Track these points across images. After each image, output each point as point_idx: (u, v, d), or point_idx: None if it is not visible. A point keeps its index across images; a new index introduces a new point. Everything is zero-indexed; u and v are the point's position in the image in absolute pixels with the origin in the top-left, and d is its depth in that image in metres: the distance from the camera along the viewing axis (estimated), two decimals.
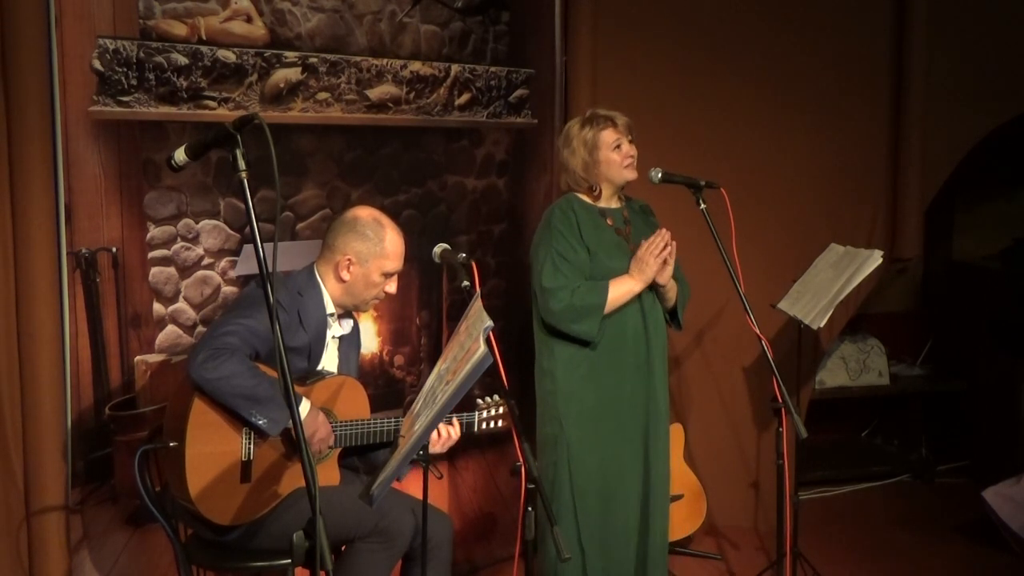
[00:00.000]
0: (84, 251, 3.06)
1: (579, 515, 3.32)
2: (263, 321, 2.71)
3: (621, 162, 3.36)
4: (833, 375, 5.22)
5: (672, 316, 3.53)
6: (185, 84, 3.19)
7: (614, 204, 3.46)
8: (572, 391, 3.33)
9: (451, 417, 2.91)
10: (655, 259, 3.28)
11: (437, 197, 3.93)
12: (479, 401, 2.99)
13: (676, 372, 4.45)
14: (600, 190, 3.41)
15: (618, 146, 3.36)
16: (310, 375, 2.89)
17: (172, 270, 3.23)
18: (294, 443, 2.74)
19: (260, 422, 2.66)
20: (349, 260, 2.90)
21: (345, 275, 2.91)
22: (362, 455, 3.03)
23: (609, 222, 3.41)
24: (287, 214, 3.47)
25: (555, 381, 3.35)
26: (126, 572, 3.18)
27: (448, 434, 2.87)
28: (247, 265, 3.36)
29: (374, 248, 2.90)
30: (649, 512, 3.38)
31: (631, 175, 3.39)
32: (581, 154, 3.37)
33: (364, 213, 2.96)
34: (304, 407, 2.73)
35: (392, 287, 2.98)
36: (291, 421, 2.60)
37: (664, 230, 3.31)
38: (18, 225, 2.92)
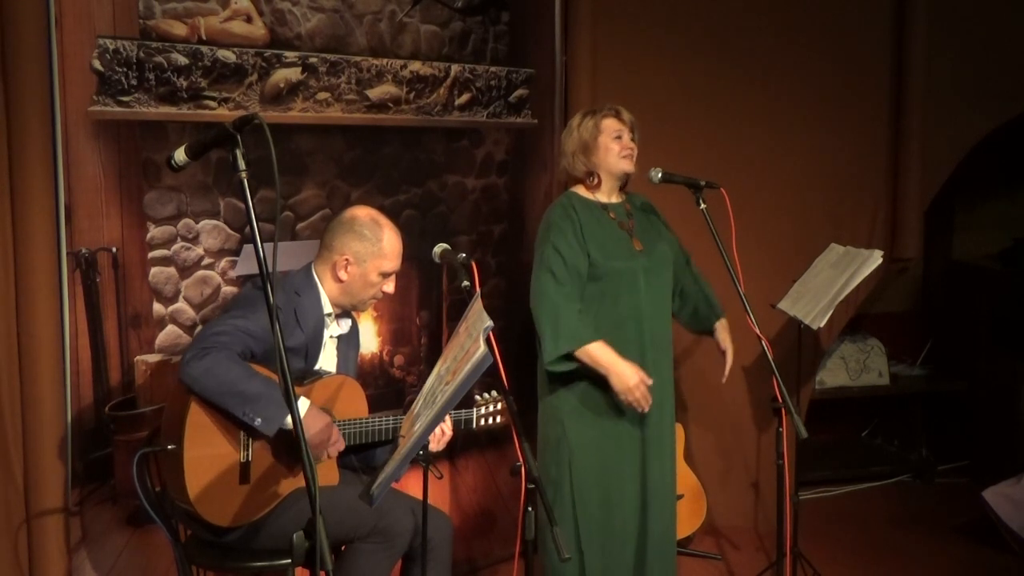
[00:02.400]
0: (84, 251, 3.06)
1: (578, 516, 3.31)
2: (258, 321, 2.70)
3: (619, 152, 3.36)
4: (833, 375, 5.22)
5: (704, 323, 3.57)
6: (185, 84, 3.19)
7: (615, 199, 3.45)
8: (575, 393, 3.32)
9: (466, 413, 2.94)
10: (626, 396, 3.19)
11: (437, 197, 3.93)
12: (477, 398, 2.99)
13: (676, 372, 4.44)
14: (598, 179, 3.40)
15: (619, 136, 3.37)
16: (308, 375, 2.89)
17: (172, 270, 3.23)
18: (292, 442, 2.74)
19: (255, 422, 2.62)
20: (347, 260, 2.89)
21: (343, 275, 2.91)
22: (360, 454, 3.03)
23: (612, 216, 3.41)
24: (287, 214, 3.47)
25: (559, 383, 3.35)
26: (126, 572, 3.18)
27: (442, 431, 2.87)
28: (247, 265, 3.36)
29: (372, 248, 2.90)
30: (648, 515, 3.37)
31: (628, 167, 3.38)
32: (582, 136, 3.37)
33: (362, 213, 2.95)
34: (303, 405, 2.72)
35: (390, 287, 2.97)
36: (288, 420, 2.64)
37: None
38: (18, 225, 2.92)
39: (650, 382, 3.22)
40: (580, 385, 3.32)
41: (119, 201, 3.11)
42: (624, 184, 3.47)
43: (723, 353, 3.53)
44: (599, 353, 3.21)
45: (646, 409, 3.23)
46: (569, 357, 3.22)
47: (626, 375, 3.19)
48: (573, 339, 3.20)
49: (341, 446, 2.80)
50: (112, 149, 3.08)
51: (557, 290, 3.25)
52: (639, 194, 3.56)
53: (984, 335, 5.34)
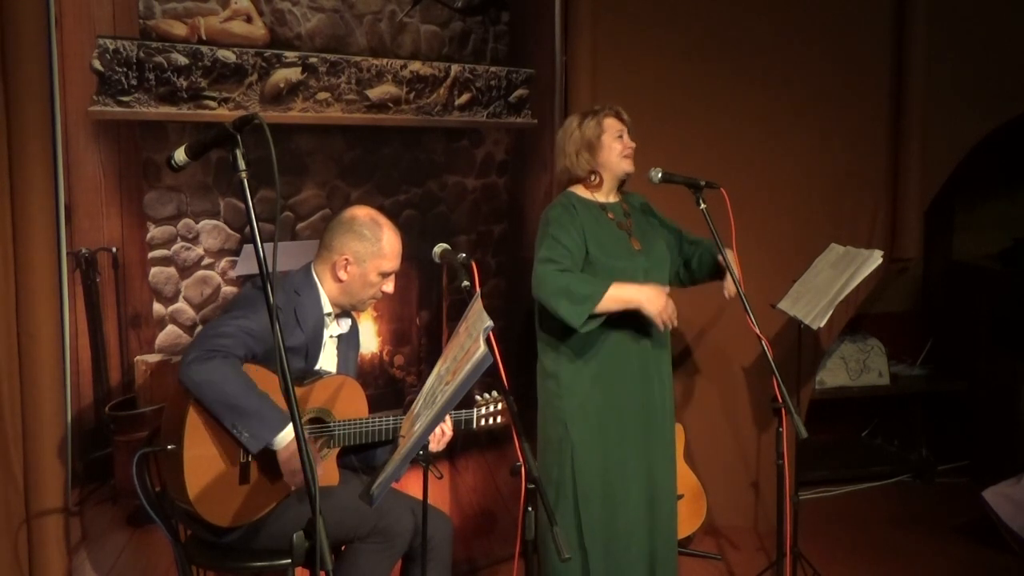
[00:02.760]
0: (84, 251, 3.06)
1: (582, 516, 3.31)
2: (259, 321, 2.70)
3: (621, 151, 3.37)
4: (833, 375, 5.22)
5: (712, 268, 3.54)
6: (185, 84, 3.19)
7: (612, 199, 3.46)
8: (578, 393, 3.32)
9: (465, 413, 2.94)
10: (661, 316, 3.21)
11: (437, 197, 3.93)
12: (477, 398, 2.99)
13: (676, 372, 4.43)
14: (600, 179, 3.40)
15: (620, 136, 3.38)
16: (308, 375, 2.89)
17: (172, 270, 3.23)
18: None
19: (243, 436, 2.63)
20: (347, 260, 2.89)
21: (343, 275, 2.91)
22: (360, 454, 3.03)
23: (610, 216, 3.41)
24: (287, 214, 3.47)
25: (560, 383, 3.35)
26: (126, 572, 3.18)
27: (442, 431, 2.87)
28: (247, 265, 3.36)
29: (371, 248, 2.90)
30: (654, 514, 3.38)
31: (628, 167, 3.39)
32: (586, 135, 3.37)
33: (361, 213, 2.96)
34: (288, 431, 2.66)
35: (389, 287, 2.97)
36: (275, 440, 2.63)
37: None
38: (18, 225, 2.92)
39: (668, 290, 3.28)
40: (582, 385, 3.32)
41: (119, 201, 3.11)
42: (622, 184, 3.48)
43: (726, 269, 3.43)
44: (620, 292, 3.21)
45: (675, 323, 3.27)
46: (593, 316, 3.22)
47: (654, 298, 3.21)
48: (592, 296, 3.19)
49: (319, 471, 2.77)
50: (112, 149, 3.08)
51: (558, 268, 3.24)
52: (636, 194, 3.56)
53: (984, 335, 5.34)
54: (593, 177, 3.40)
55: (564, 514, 3.30)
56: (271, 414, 2.63)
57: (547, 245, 3.29)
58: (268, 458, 2.76)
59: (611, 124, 3.38)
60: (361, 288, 2.93)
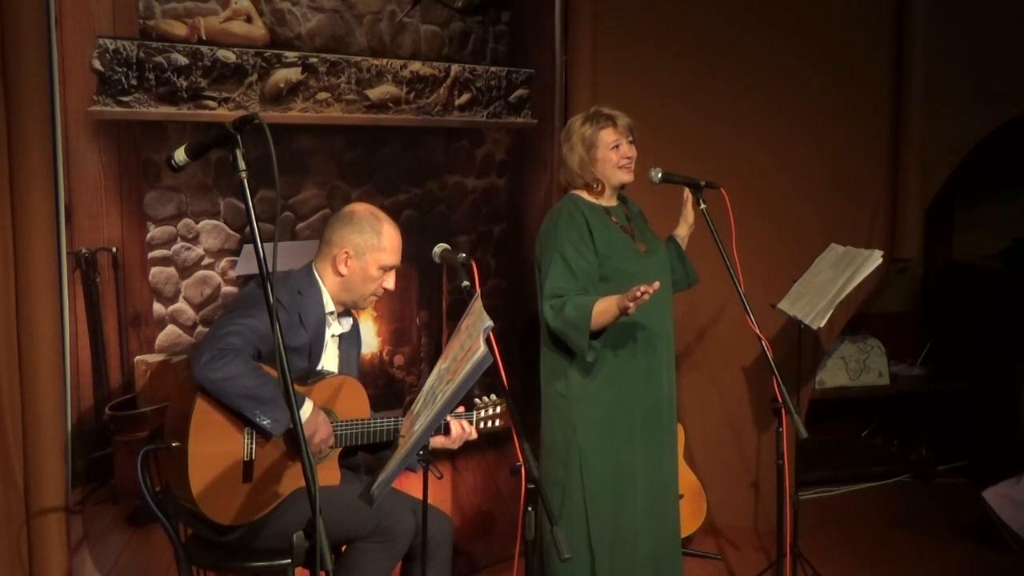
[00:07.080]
0: (84, 251, 3.06)
1: (590, 517, 3.31)
2: (264, 321, 2.71)
3: (617, 162, 3.36)
4: (833, 375, 5.22)
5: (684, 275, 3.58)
6: (185, 84, 3.19)
7: (614, 202, 3.46)
8: (587, 395, 3.32)
9: (466, 416, 2.94)
10: (641, 297, 3.06)
11: (437, 197, 3.93)
12: (477, 401, 2.99)
13: (676, 372, 4.44)
14: (602, 186, 3.40)
15: (616, 146, 3.36)
16: (311, 375, 2.89)
17: (172, 270, 3.23)
18: (295, 443, 2.74)
19: (264, 422, 2.66)
20: (347, 254, 2.90)
21: (343, 269, 2.91)
22: (366, 454, 3.03)
23: (614, 220, 3.41)
24: (287, 214, 3.47)
25: (569, 385, 3.34)
26: (126, 572, 3.18)
27: (462, 428, 2.91)
28: (247, 265, 3.36)
29: (371, 241, 2.91)
30: (658, 513, 3.37)
31: (626, 177, 3.38)
32: (579, 151, 3.37)
33: (361, 208, 2.98)
34: (307, 407, 2.74)
35: (390, 283, 2.98)
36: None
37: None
38: (18, 225, 2.92)
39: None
40: (593, 387, 3.32)
41: (119, 201, 3.11)
42: (622, 188, 3.48)
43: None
44: (602, 312, 3.16)
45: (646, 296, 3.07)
46: (595, 335, 3.22)
47: (622, 299, 3.09)
48: (581, 327, 3.19)
49: (326, 447, 2.82)
50: (112, 149, 3.08)
51: (561, 291, 3.24)
52: (635, 201, 3.57)
53: (984, 335, 5.34)
54: (596, 185, 3.41)
55: (572, 516, 3.30)
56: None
57: (553, 273, 3.28)
58: (271, 457, 2.77)
59: (605, 136, 3.36)
60: (362, 283, 2.93)
